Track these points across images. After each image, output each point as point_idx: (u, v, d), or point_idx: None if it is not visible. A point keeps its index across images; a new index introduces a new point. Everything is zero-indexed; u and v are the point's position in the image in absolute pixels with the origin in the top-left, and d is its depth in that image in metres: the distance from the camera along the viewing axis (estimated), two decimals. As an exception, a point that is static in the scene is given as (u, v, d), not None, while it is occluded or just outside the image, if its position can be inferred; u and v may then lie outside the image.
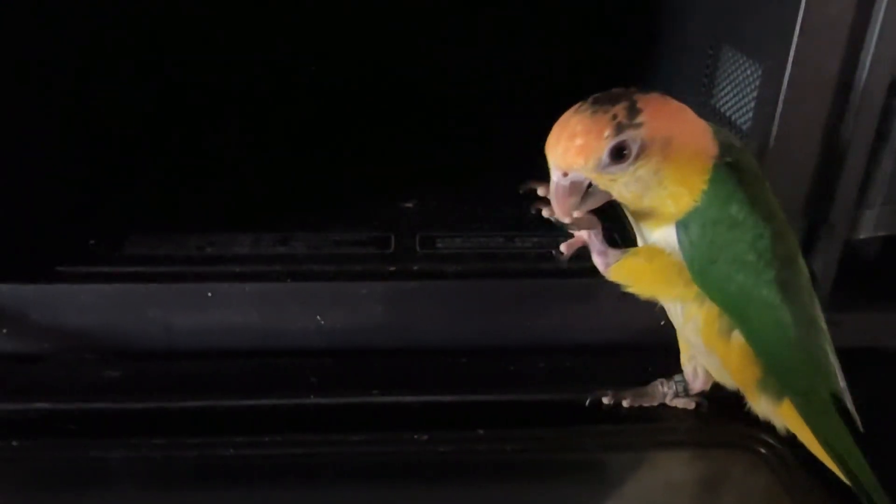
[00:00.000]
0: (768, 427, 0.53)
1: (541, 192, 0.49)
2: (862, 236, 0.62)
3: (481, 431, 0.54)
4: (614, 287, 0.54)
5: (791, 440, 0.53)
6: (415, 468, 0.52)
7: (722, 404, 0.55)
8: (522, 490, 0.51)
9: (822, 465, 0.52)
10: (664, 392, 0.57)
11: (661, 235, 0.48)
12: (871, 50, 0.55)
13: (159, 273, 0.62)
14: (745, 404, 0.54)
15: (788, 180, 0.60)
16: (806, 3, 0.54)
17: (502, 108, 0.97)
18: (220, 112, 0.95)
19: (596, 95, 0.45)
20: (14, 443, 0.53)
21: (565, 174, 0.45)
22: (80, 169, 0.74)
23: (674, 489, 0.52)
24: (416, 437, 0.53)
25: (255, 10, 0.96)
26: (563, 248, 0.54)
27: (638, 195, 0.46)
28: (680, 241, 0.46)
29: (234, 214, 0.71)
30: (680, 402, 0.57)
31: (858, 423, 0.55)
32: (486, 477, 0.52)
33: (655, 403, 0.56)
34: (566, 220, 0.46)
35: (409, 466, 0.52)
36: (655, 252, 0.49)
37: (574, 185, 0.45)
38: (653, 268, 0.49)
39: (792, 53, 0.56)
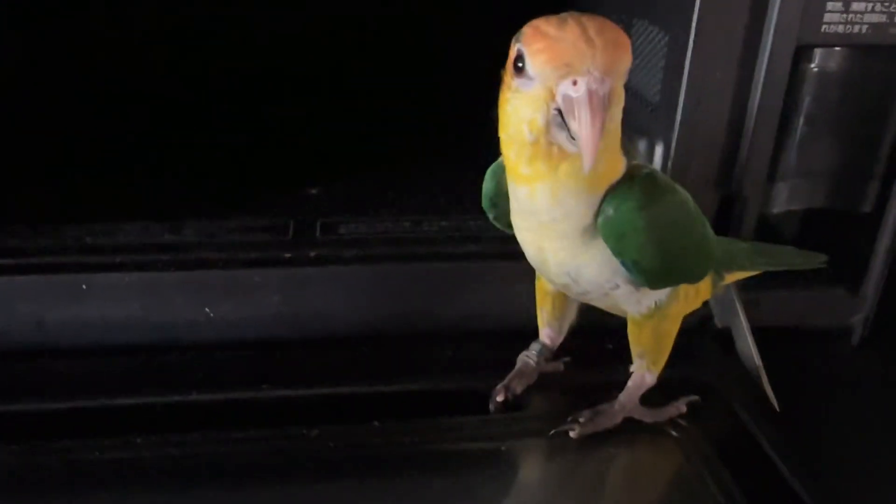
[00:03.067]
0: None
1: (499, 397, 0.52)
2: (775, 210, 0.60)
3: (377, 423, 0.50)
4: (522, 270, 0.51)
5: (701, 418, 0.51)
6: (303, 465, 0.48)
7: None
8: (421, 483, 0.48)
9: (731, 445, 0.50)
10: (533, 366, 0.54)
11: (583, 202, 0.43)
12: (775, 16, 0.54)
13: (31, 265, 0.57)
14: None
15: (699, 152, 0.58)
16: (707, -34, 0.52)
17: (411, 93, 0.94)
18: (109, 97, 0.89)
19: (570, 12, 0.39)
20: None
21: (603, 80, 0.37)
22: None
23: (583, 476, 0.49)
24: (304, 432, 0.49)
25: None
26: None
27: (615, 128, 0.41)
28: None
29: (123, 202, 0.66)
30: (550, 367, 0.55)
31: (774, 402, 0.54)
32: (380, 471, 0.48)
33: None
34: (592, 150, 0.37)
35: (297, 464, 0.48)
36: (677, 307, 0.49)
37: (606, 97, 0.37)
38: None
39: (694, 20, 0.54)
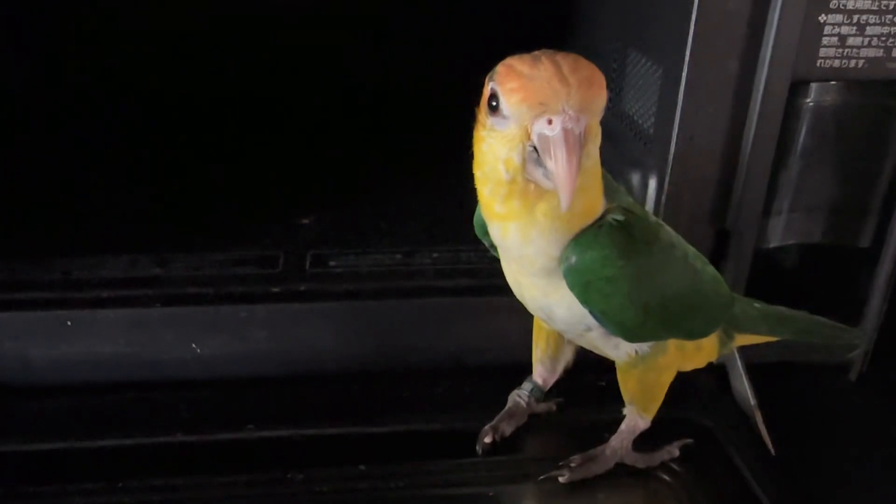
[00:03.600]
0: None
1: (487, 439, 0.51)
2: (771, 245, 0.59)
3: (363, 467, 0.49)
4: (514, 306, 0.50)
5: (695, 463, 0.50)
6: (286, 511, 0.47)
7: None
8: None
9: (725, 491, 0.49)
10: (524, 407, 0.53)
11: (554, 243, 0.41)
12: (769, 51, 0.53)
13: (14, 300, 0.57)
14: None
15: (693, 186, 0.57)
16: (699, 0, 0.51)
17: (405, 122, 0.93)
18: (95, 125, 0.89)
19: (543, 50, 0.39)
20: None
21: (578, 118, 0.36)
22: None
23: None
24: (289, 475, 0.48)
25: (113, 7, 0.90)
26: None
27: (592, 165, 0.40)
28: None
29: (109, 235, 0.66)
30: (542, 408, 0.54)
31: (770, 445, 0.52)
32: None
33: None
34: (569, 188, 0.36)
35: (281, 509, 0.47)
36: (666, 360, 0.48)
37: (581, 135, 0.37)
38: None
39: (688, 53, 0.53)
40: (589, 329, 0.45)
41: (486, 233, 0.47)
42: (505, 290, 0.49)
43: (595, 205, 0.42)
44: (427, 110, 0.90)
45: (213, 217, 0.70)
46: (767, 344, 0.60)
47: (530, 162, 0.38)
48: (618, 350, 0.47)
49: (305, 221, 0.70)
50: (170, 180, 0.78)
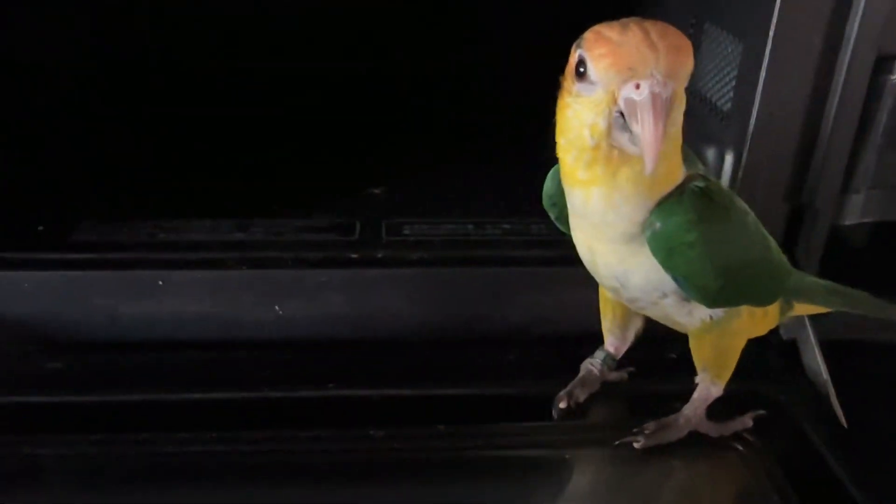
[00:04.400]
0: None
1: (562, 404, 0.52)
2: (847, 222, 0.59)
3: (442, 427, 0.51)
4: (583, 278, 0.51)
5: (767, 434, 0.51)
6: (368, 466, 0.49)
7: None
8: (484, 488, 0.48)
9: (796, 462, 0.49)
10: (597, 375, 0.55)
11: (636, 209, 0.42)
12: (856, 26, 0.52)
13: (107, 260, 0.59)
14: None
15: (770, 163, 0.57)
16: (786, -26, 0.51)
17: (478, 95, 0.94)
18: (181, 96, 0.91)
19: (631, 17, 0.39)
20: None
21: (665, 83, 0.37)
22: (33, 153, 0.71)
23: (645, 488, 0.49)
24: (371, 433, 0.50)
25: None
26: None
27: (675, 132, 0.41)
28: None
29: (193, 200, 0.68)
30: (614, 376, 0.55)
31: (842, 418, 0.53)
32: (444, 475, 0.49)
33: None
34: (654, 152, 0.37)
35: (363, 464, 0.49)
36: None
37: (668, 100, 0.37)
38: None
39: (772, 29, 0.53)
40: (664, 296, 0.46)
41: (554, 204, 0.49)
42: (574, 261, 0.50)
43: (676, 171, 0.43)
44: (498, 85, 0.91)
45: (291, 186, 0.72)
46: (838, 321, 0.60)
47: (616, 127, 0.39)
48: (691, 317, 0.47)
49: (377, 192, 0.72)
50: (248, 150, 0.80)
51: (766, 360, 0.58)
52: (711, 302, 0.45)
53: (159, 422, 0.52)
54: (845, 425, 0.52)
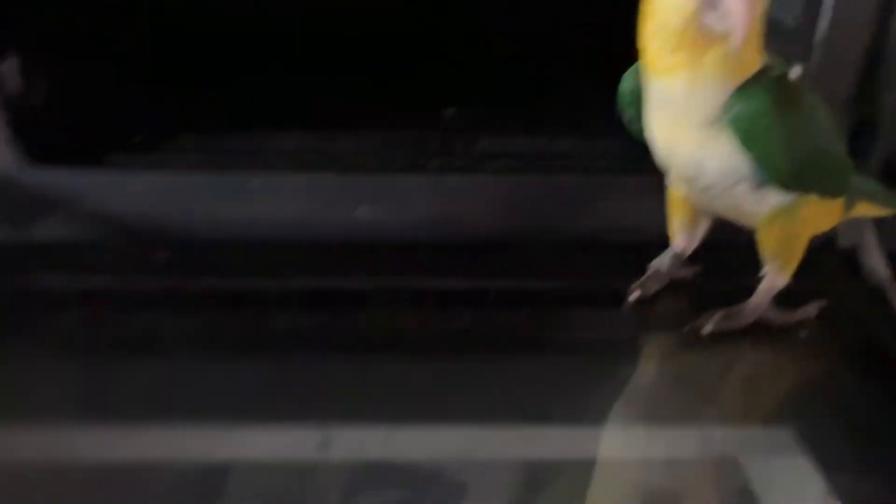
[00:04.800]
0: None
1: (634, 295, 0.56)
2: (911, 129, 0.61)
3: (525, 311, 0.55)
4: (653, 185, 0.54)
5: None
6: (458, 345, 0.53)
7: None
8: (560, 368, 0.52)
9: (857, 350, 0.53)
10: (665, 272, 0.57)
11: (718, 93, 0.45)
12: (927, -66, 0.55)
13: (205, 163, 0.64)
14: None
15: (835, 77, 0.60)
16: None
17: (541, 13, 0.95)
18: (268, 11, 0.93)
19: None
20: (75, 313, 0.54)
21: None
22: (129, 66, 0.75)
23: (712, 371, 0.53)
24: (461, 315, 0.55)
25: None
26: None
27: (761, 16, 0.44)
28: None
29: (277, 113, 0.72)
30: (682, 273, 0.58)
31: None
32: (525, 354, 0.53)
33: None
34: (744, 26, 0.41)
35: (452, 343, 0.53)
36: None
37: None
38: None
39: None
40: (738, 182, 0.48)
41: (630, 104, 0.52)
42: (641, 171, 0.53)
43: (756, 57, 0.46)
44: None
45: (368, 103, 0.75)
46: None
47: (704, 7, 0.42)
48: (761, 204, 0.50)
49: (450, 112, 0.75)
50: (325, 69, 0.83)
51: (827, 265, 0.61)
52: (783, 185, 0.48)
53: (261, 304, 0.56)
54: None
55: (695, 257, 0.59)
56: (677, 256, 0.58)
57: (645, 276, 0.58)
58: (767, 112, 0.45)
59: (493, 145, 0.68)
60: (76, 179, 0.62)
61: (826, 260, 0.62)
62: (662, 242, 0.59)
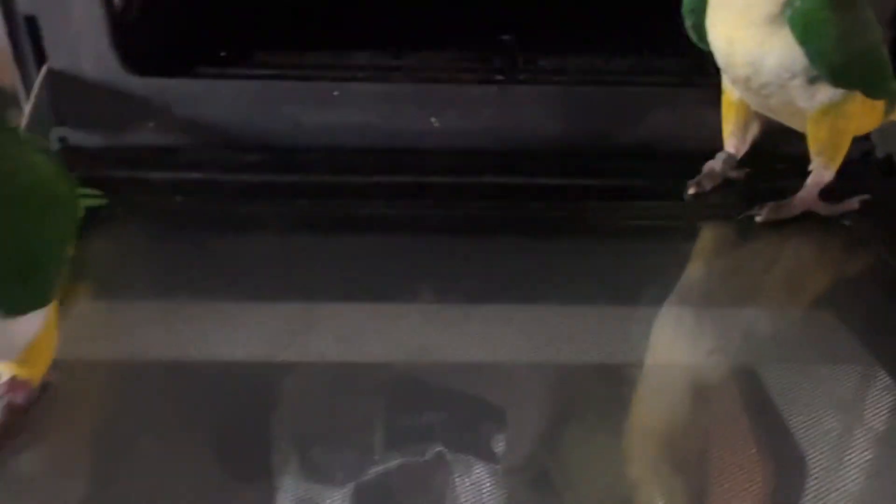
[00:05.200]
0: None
1: (691, 189, 0.61)
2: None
3: (593, 203, 0.60)
4: (706, 97, 0.59)
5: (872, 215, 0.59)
6: (532, 228, 0.58)
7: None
8: (625, 250, 0.58)
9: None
10: (718, 172, 0.62)
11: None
12: None
13: (289, 74, 0.69)
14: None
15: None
16: None
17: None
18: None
19: None
20: (178, 198, 0.60)
21: None
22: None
23: (766, 254, 0.58)
24: (532, 205, 0.60)
25: None
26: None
27: None
28: None
29: (351, 34, 0.76)
30: (734, 174, 0.63)
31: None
32: (594, 237, 0.58)
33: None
34: None
35: (527, 226, 0.58)
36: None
37: None
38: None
39: None
40: (793, 77, 0.53)
41: (692, 10, 0.56)
42: (692, 85, 0.57)
43: None
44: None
45: (430, 30, 0.80)
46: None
47: None
48: (813, 100, 0.55)
49: (507, 37, 0.80)
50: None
51: (866, 169, 0.66)
52: (834, 78, 0.53)
53: (352, 193, 0.62)
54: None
55: (744, 161, 0.64)
56: (730, 157, 0.63)
57: (700, 174, 0.63)
58: (824, 7, 0.50)
59: (552, 63, 0.73)
60: (171, 88, 0.67)
61: (865, 166, 0.67)
62: (711, 151, 0.65)
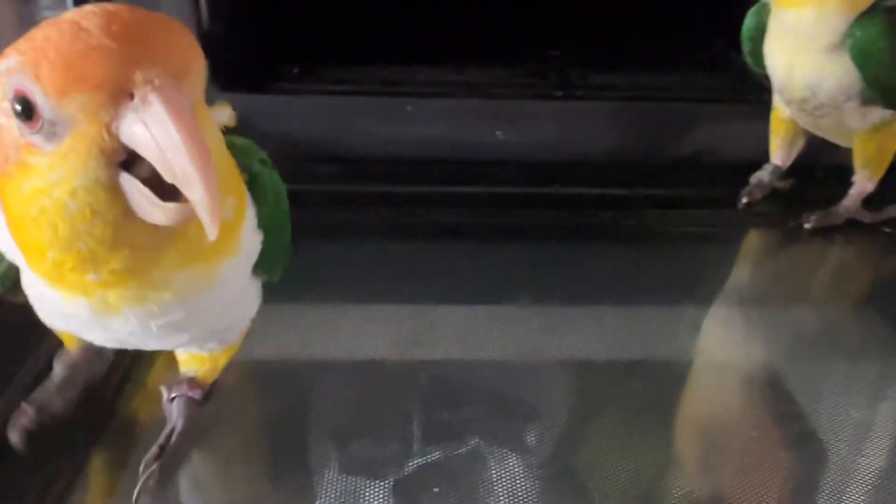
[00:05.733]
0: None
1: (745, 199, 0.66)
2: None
3: (653, 211, 0.66)
4: (753, 112, 0.65)
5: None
6: (596, 235, 0.64)
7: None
8: (682, 254, 0.63)
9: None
10: (766, 182, 0.68)
11: (841, 22, 0.55)
12: None
13: (363, 90, 0.73)
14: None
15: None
16: None
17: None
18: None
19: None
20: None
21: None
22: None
23: (814, 258, 0.64)
24: (599, 214, 0.65)
25: None
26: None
27: None
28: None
29: (409, 50, 0.81)
30: (781, 184, 0.68)
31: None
32: (654, 242, 0.64)
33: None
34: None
35: (592, 233, 0.64)
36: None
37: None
38: None
39: None
40: (848, 99, 0.59)
41: (751, 38, 0.62)
42: (743, 101, 0.62)
43: None
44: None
45: (486, 47, 0.85)
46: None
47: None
48: (864, 121, 0.61)
49: (555, 53, 0.85)
50: (447, 17, 0.92)
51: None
52: (889, 101, 0.59)
53: (433, 203, 0.67)
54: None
55: (788, 172, 0.70)
56: (777, 169, 0.69)
57: (750, 185, 0.68)
58: (883, 36, 0.55)
59: (602, 80, 0.78)
60: (253, 103, 0.72)
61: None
62: (754, 163, 0.70)
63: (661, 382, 0.52)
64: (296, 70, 0.78)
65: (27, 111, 0.27)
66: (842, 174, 0.66)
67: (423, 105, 0.72)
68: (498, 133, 0.73)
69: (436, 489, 0.40)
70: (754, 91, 0.72)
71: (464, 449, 0.43)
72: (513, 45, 0.86)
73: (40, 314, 0.35)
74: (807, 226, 0.64)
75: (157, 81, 0.26)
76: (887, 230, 0.65)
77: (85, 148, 0.27)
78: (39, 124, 0.27)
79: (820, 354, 0.56)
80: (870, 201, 0.66)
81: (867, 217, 0.65)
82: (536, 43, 0.86)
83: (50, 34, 0.27)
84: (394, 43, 0.83)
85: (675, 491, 0.43)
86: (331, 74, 0.77)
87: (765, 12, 0.60)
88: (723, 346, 0.57)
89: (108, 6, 0.27)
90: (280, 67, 0.77)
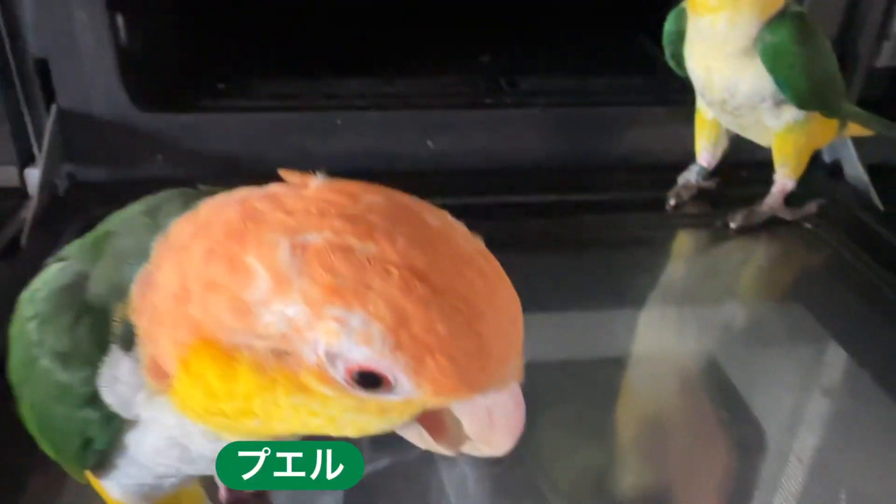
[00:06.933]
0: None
1: (672, 200, 0.68)
2: (879, 65, 0.75)
3: (586, 217, 0.67)
4: (678, 114, 0.66)
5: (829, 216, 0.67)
6: (525, 243, 0.64)
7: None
8: (613, 257, 0.64)
9: (856, 231, 0.66)
10: (693, 183, 0.69)
11: (753, 27, 0.57)
12: None
13: (292, 105, 0.72)
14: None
15: (822, 18, 0.72)
16: None
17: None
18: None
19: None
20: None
21: None
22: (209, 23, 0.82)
23: (742, 255, 0.66)
24: (532, 222, 0.66)
25: None
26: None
27: None
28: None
29: (339, 63, 0.81)
30: (707, 184, 0.70)
31: (879, 204, 0.69)
32: (584, 248, 0.65)
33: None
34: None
35: (523, 242, 0.64)
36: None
37: None
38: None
39: None
40: (763, 100, 0.61)
41: (671, 42, 0.63)
42: (669, 102, 0.64)
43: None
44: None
45: (414, 56, 0.84)
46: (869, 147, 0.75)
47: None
48: (779, 120, 0.62)
49: (485, 58, 0.85)
50: (375, 28, 0.91)
51: (817, 176, 0.74)
52: (799, 102, 0.60)
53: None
54: (881, 208, 0.69)
55: (713, 172, 0.72)
56: (703, 170, 0.70)
57: (677, 186, 0.70)
58: (792, 41, 0.57)
59: (532, 85, 0.79)
60: (177, 122, 0.70)
61: (815, 171, 0.75)
62: (681, 163, 0.71)
63: (600, 380, 0.54)
64: (221, 86, 0.76)
65: (367, 381, 0.23)
66: (763, 171, 0.68)
67: (353, 118, 0.72)
68: (429, 143, 0.73)
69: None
70: (681, 92, 0.73)
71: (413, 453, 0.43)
72: (442, 54, 0.86)
73: (158, 468, 0.30)
74: (732, 225, 0.66)
75: (516, 374, 0.24)
76: (808, 226, 0.67)
77: (409, 414, 0.24)
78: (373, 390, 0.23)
79: (751, 346, 0.59)
80: (791, 199, 0.68)
81: (789, 214, 0.67)
82: (466, 50, 0.86)
83: (418, 312, 0.22)
84: (322, 56, 0.82)
85: (621, 481, 0.45)
86: (258, 90, 0.76)
87: (683, 17, 0.62)
88: (658, 343, 0.59)
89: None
90: (205, 84, 0.76)
